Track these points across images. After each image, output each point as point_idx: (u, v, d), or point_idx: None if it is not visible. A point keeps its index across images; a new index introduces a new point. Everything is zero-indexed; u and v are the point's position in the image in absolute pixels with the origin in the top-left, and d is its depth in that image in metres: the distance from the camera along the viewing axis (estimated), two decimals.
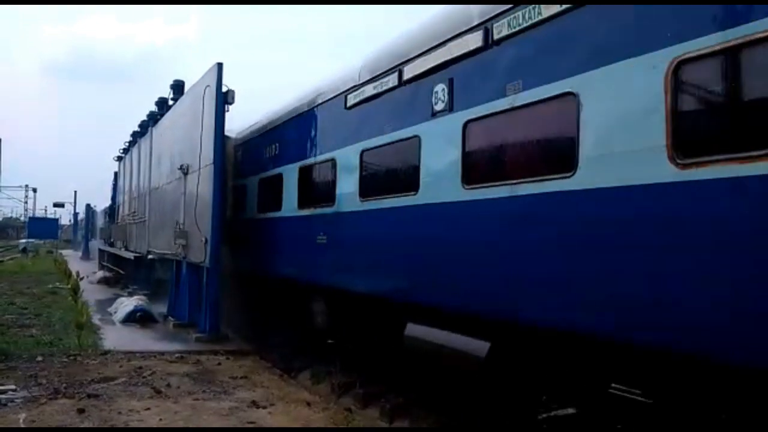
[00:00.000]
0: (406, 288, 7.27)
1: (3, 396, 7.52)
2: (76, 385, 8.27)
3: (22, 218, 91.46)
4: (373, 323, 8.55)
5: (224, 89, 11.97)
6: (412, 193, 7.11)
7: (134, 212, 21.46)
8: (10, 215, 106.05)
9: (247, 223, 13.03)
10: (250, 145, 13.39)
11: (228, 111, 12.17)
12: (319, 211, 9.40)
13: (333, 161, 9.08)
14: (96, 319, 14.35)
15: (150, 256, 17.24)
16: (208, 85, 12.32)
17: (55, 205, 72.17)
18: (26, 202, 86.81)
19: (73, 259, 43.83)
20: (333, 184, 8.99)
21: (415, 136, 7.14)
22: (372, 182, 8.27)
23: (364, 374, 9.10)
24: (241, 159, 13.95)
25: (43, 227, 70.33)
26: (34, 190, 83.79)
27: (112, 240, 28.26)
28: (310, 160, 9.98)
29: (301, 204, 10.21)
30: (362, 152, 8.32)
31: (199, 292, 12.79)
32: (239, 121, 13.61)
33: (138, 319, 14.07)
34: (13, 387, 7.94)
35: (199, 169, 12.66)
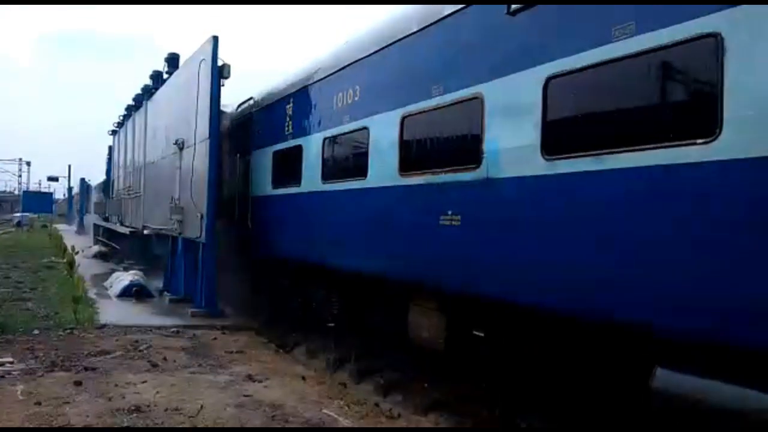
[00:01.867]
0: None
1: (0, 368, 7.59)
2: (73, 358, 8.33)
3: (16, 192, 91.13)
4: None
5: (220, 63, 11.86)
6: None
7: (129, 187, 21.41)
8: (4, 189, 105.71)
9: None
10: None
11: (223, 85, 12.08)
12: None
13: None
14: (92, 294, 14.41)
15: (146, 232, 17.22)
16: (203, 59, 12.19)
17: (50, 179, 72.00)
18: (20, 176, 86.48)
19: (68, 233, 43.81)
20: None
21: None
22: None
23: (358, 350, 9.22)
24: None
25: (37, 201, 70.22)
26: (28, 164, 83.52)
27: (107, 215, 28.23)
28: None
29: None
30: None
31: (195, 268, 12.81)
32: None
33: (134, 293, 14.12)
34: (10, 359, 8.01)
35: (195, 144, 12.60)
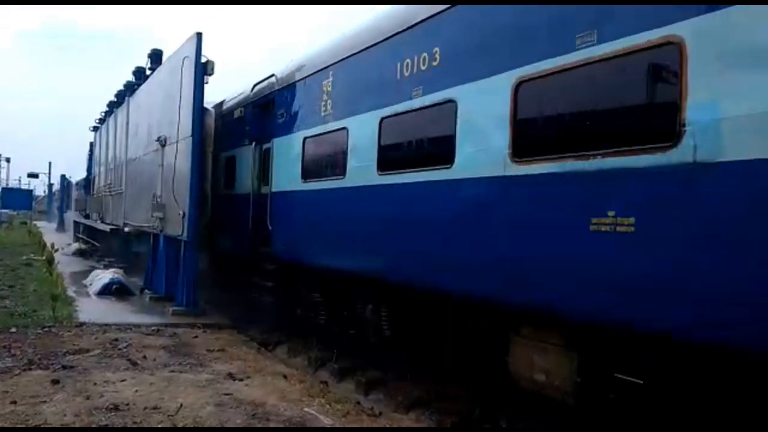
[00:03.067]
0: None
1: None
2: (51, 356, 8.21)
3: None
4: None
5: (203, 60, 11.75)
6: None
7: (110, 184, 21.17)
8: None
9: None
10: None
11: (207, 83, 11.96)
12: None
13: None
14: (71, 291, 14.22)
15: (126, 229, 17.05)
16: (186, 56, 12.12)
17: (30, 175, 70.87)
18: None
19: (47, 230, 43.26)
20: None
21: None
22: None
23: (340, 349, 9.22)
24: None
25: (16, 198, 69.12)
26: (8, 160, 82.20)
27: (87, 212, 27.91)
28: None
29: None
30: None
31: (176, 266, 12.69)
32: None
33: (114, 291, 13.97)
34: None
35: (177, 141, 12.50)
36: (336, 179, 8.17)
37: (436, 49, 6.40)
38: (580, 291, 4.72)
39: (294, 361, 9.38)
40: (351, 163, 7.83)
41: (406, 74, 6.87)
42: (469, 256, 5.81)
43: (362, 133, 7.65)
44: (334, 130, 8.36)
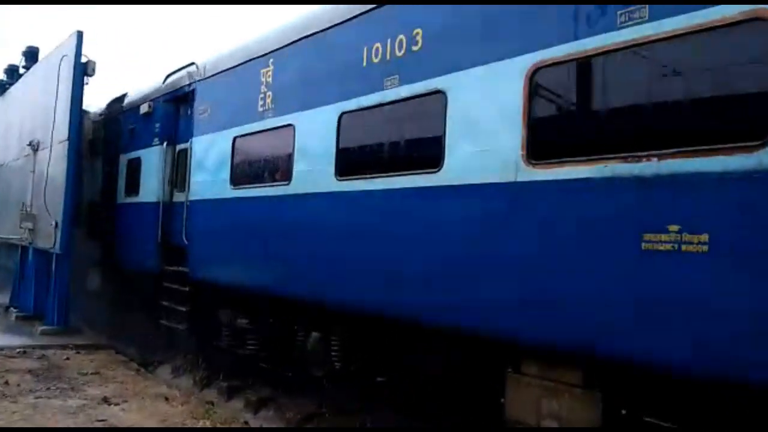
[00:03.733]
0: None
1: None
2: None
3: None
4: None
5: (84, 60, 11.10)
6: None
7: None
8: None
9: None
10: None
11: (87, 84, 11.24)
12: None
13: None
14: None
15: None
16: (65, 55, 11.20)
17: None
18: None
19: None
20: None
21: None
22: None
23: (227, 368, 8.72)
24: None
25: None
26: None
27: None
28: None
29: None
30: None
31: (47, 281, 11.70)
32: None
33: None
34: None
35: (51, 145, 11.48)
36: (278, 185, 6.95)
37: (418, 30, 5.38)
38: (626, 327, 3.81)
39: (177, 382, 8.95)
40: (299, 166, 6.63)
41: (376, 61, 5.80)
42: (469, 283, 4.79)
43: (314, 131, 6.49)
44: (275, 128, 7.10)
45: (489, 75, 4.72)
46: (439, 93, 5.11)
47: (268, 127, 7.22)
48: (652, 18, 3.77)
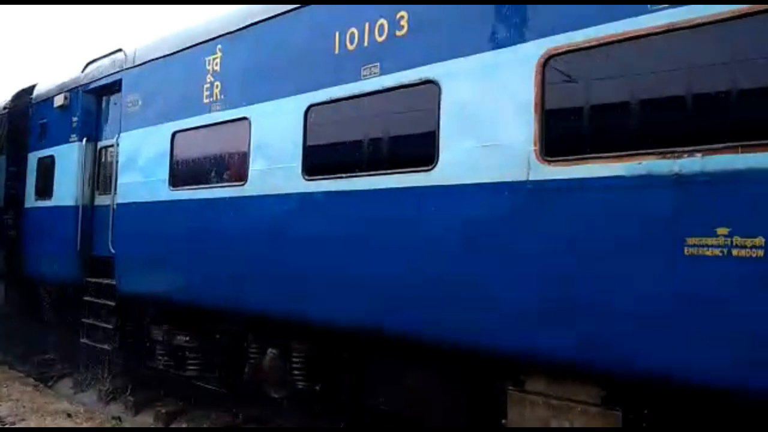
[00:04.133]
0: None
1: None
2: None
3: None
4: None
5: None
6: None
7: None
8: None
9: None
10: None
11: None
12: None
13: None
14: None
15: None
16: None
17: None
18: None
19: None
20: None
21: None
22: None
23: (138, 380, 8.25)
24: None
25: None
26: None
27: None
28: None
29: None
30: None
31: None
32: None
33: None
34: None
35: None
36: (230, 186, 6.19)
37: (402, 13, 4.84)
38: (667, 342, 3.43)
39: (81, 397, 8.52)
40: (256, 164, 5.90)
41: (351, 47, 5.19)
42: (470, 294, 4.29)
43: (275, 126, 5.77)
44: (226, 122, 6.30)
45: (493, 63, 4.26)
46: (431, 83, 4.60)
47: (217, 120, 6.42)
48: None
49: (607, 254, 3.64)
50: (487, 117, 4.25)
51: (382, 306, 4.81)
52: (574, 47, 3.86)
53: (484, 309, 4.19)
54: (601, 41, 3.75)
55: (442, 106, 4.50)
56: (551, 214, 3.90)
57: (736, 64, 3.33)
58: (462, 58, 4.42)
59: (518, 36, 4.12)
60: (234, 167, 6.26)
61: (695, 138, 3.39)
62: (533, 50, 4.02)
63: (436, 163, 4.50)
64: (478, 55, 4.33)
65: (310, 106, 5.47)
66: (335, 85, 5.26)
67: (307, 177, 5.43)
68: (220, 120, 6.38)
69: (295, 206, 5.53)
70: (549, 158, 3.92)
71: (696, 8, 3.41)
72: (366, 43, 5.06)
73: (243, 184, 6.02)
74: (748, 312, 3.17)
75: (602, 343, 3.65)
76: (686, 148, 3.40)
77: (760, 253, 3.12)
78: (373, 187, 4.92)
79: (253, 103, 6.00)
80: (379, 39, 4.97)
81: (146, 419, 7.52)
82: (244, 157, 6.07)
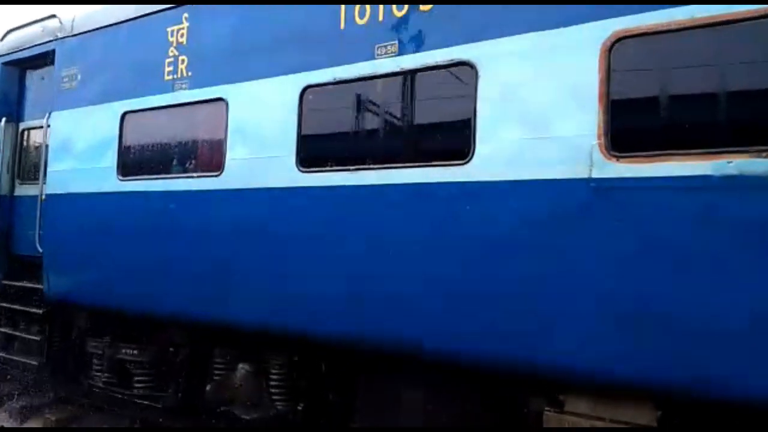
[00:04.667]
0: None
1: None
2: None
3: None
4: None
5: None
6: None
7: None
8: None
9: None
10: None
11: None
12: None
13: None
14: None
15: None
16: None
17: None
18: None
19: None
20: None
21: None
22: None
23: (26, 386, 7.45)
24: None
25: None
26: None
27: None
28: None
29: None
30: None
31: None
32: None
33: None
34: None
35: None
36: (201, 177, 5.35)
37: None
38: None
39: None
40: (235, 152, 5.11)
41: (361, 21, 4.55)
42: (516, 307, 3.80)
43: (261, 109, 5.01)
44: (195, 102, 5.44)
45: (541, 45, 3.79)
46: (465, 65, 4.06)
47: (182, 101, 5.55)
48: None
49: (692, 261, 3.26)
50: (539, 105, 3.76)
51: (396, 312, 4.23)
52: (648, 30, 3.45)
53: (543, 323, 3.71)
54: (682, 25, 3.36)
55: (478, 92, 3.97)
56: (620, 217, 3.47)
57: None
58: (506, 38, 3.91)
59: (576, 16, 3.66)
60: (205, 155, 5.44)
61: None
62: (598, 32, 3.58)
63: (472, 156, 3.97)
64: (525, 34, 3.84)
65: (306, 88, 4.78)
66: (340, 64, 4.60)
67: (302, 168, 4.74)
68: (187, 101, 5.51)
69: (287, 201, 4.81)
70: (617, 153, 3.49)
71: None
72: (382, 17, 4.44)
73: (218, 175, 5.22)
74: None
75: (693, 362, 3.27)
76: None
77: None
78: (389, 182, 4.32)
79: (231, 82, 5.21)
80: (398, 14, 4.37)
81: (34, 426, 6.82)
82: (219, 145, 5.27)
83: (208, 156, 5.39)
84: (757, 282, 3.10)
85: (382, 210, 4.32)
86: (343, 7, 4.61)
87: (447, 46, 4.12)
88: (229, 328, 5.23)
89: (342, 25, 4.63)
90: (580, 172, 3.58)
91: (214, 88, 5.31)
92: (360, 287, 4.39)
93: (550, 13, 3.76)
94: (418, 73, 4.26)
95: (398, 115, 4.41)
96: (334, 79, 4.63)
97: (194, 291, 5.29)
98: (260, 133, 4.99)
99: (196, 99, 5.44)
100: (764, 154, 3.11)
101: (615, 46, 3.53)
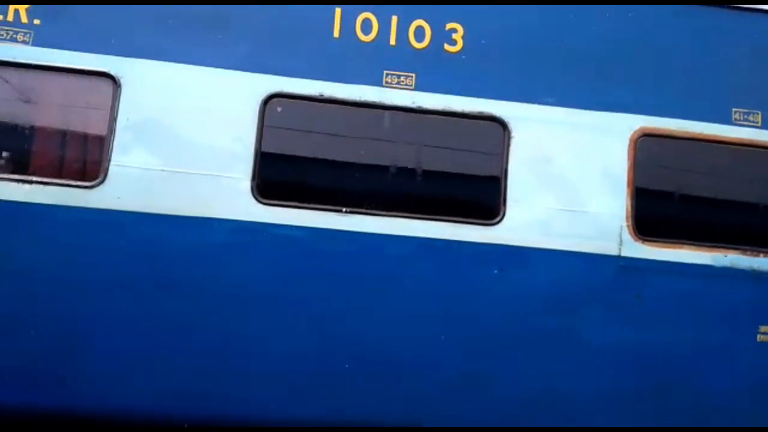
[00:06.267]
0: None
1: None
2: None
3: None
4: None
5: None
6: None
7: None
8: None
9: None
10: None
11: None
12: None
13: None
14: None
15: None
16: None
17: None
18: None
19: None
20: None
21: None
22: None
23: None
24: None
25: None
26: None
27: None
28: None
29: None
30: None
31: None
32: None
33: None
34: None
35: None
36: (60, 185, 3.52)
37: (455, 26, 3.88)
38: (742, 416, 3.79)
39: None
40: (131, 156, 3.54)
41: (366, 38, 3.82)
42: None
43: (185, 101, 3.63)
44: (49, 68, 3.56)
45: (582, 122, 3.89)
46: (496, 121, 3.83)
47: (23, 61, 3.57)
48: None
49: (697, 337, 3.80)
50: (572, 180, 3.84)
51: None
52: (664, 132, 3.95)
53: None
54: (686, 135, 3.99)
55: (511, 146, 3.80)
56: (641, 293, 3.79)
57: None
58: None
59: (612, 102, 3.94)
60: (71, 153, 3.56)
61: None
62: (628, 122, 3.92)
63: (503, 217, 3.74)
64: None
65: (271, 96, 3.69)
66: (332, 80, 3.74)
67: (261, 198, 3.59)
68: (31, 62, 3.57)
69: (230, 241, 3.55)
70: (643, 236, 3.83)
71: None
72: (393, 42, 3.83)
73: (93, 186, 3.48)
74: None
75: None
76: (763, 248, 3.93)
77: None
78: (394, 233, 3.66)
79: (126, 54, 3.63)
80: (418, 45, 3.85)
81: None
82: (98, 141, 3.55)
83: (77, 155, 3.56)
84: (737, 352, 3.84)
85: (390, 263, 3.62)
86: (338, 10, 3.80)
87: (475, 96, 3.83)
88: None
89: (336, 33, 3.79)
90: (611, 249, 3.80)
91: (91, 55, 3.59)
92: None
93: (588, 94, 3.93)
94: (438, 116, 3.80)
95: (405, 157, 3.81)
96: (321, 95, 3.72)
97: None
98: (177, 132, 3.58)
99: (46, 63, 3.57)
100: (748, 252, 3.92)
101: (641, 138, 3.93)
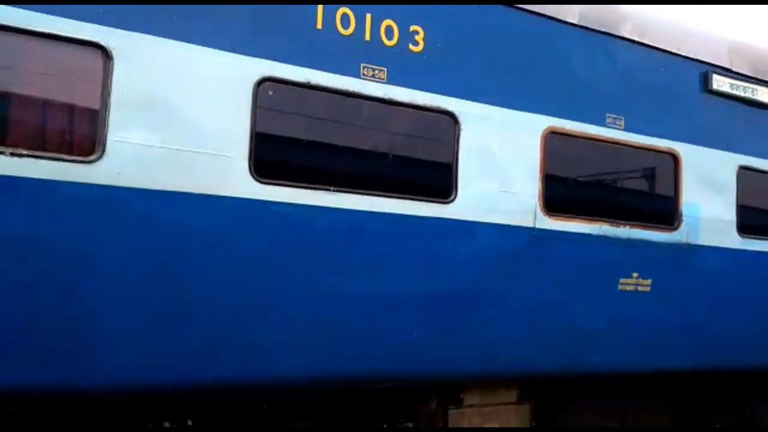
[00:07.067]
0: None
1: None
2: None
3: None
4: None
5: None
6: None
7: None
8: None
9: None
10: None
11: None
12: None
13: None
14: None
15: None
16: None
17: None
18: None
19: None
20: None
21: None
22: None
23: None
24: None
25: None
26: None
27: None
28: None
29: None
30: None
31: None
32: None
33: None
34: None
35: None
36: (59, 160, 3.43)
37: (417, 29, 4.42)
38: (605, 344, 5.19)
39: None
40: (130, 132, 3.56)
41: (345, 32, 4.17)
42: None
43: (169, 73, 3.72)
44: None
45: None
46: (449, 115, 4.50)
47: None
48: None
49: (583, 287, 5.03)
50: (504, 167, 4.72)
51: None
52: (565, 132, 5.00)
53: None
54: (576, 134, 5.11)
55: (460, 140, 4.54)
56: (547, 255, 4.88)
57: None
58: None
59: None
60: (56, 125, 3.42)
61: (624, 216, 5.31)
62: (541, 122, 4.89)
63: (455, 197, 4.47)
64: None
65: (263, 80, 3.92)
66: (316, 68, 4.07)
67: (259, 177, 3.85)
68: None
69: (232, 217, 3.78)
70: (549, 212, 4.87)
71: None
72: (368, 38, 4.25)
73: (93, 160, 3.43)
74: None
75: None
76: (622, 221, 5.26)
77: (647, 289, 5.38)
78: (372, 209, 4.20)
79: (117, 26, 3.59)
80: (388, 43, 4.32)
81: None
82: (91, 116, 3.47)
83: (74, 126, 3.45)
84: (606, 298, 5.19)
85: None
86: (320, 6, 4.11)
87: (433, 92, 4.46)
88: None
89: (319, 25, 4.11)
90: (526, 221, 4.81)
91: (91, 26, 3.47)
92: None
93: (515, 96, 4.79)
94: (405, 108, 4.37)
95: (378, 142, 4.33)
96: (308, 81, 4.04)
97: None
98: (176, 109, 3.67)
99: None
100: (614, 224, 5.22)
101: (548, 135, 4.94)
